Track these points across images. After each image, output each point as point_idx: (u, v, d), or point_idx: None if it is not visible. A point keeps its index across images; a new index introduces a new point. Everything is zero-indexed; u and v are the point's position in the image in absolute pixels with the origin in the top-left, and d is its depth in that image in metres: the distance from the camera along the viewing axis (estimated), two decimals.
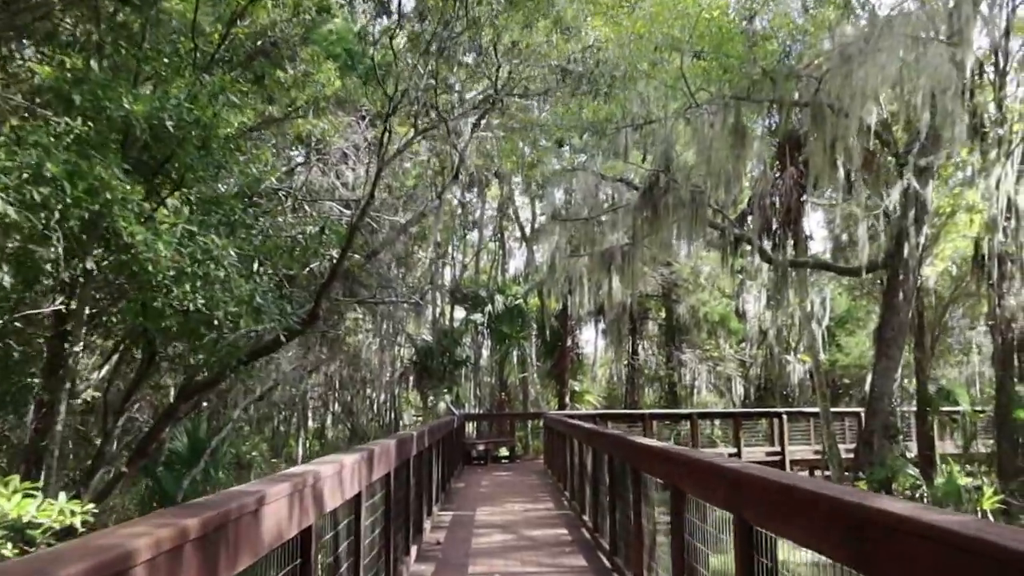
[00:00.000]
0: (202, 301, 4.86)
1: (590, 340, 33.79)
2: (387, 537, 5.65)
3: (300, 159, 10.22)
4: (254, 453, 19.85)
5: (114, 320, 6.47)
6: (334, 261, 8.10)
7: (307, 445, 24.85)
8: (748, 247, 17.54)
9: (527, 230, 28.65)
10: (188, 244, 4.72)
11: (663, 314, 28.74)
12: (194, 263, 4.70)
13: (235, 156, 5.99)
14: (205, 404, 11.51)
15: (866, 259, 13.87)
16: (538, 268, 25.86)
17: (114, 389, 7.96)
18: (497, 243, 28.46)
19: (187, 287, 4.69)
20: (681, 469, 4.41)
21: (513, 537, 8.89)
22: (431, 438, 9.33)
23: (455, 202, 27.19)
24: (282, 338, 6.53)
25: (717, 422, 24.84)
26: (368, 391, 26.89)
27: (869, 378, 17.98)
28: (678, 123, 12.59)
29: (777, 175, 18.76)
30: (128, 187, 4.33)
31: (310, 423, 25.81)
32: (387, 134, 7.10)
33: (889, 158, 15.60)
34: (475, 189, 27.48)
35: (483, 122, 9.53)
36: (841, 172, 12.64)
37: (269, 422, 24.49)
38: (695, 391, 29.54)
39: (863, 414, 21.90)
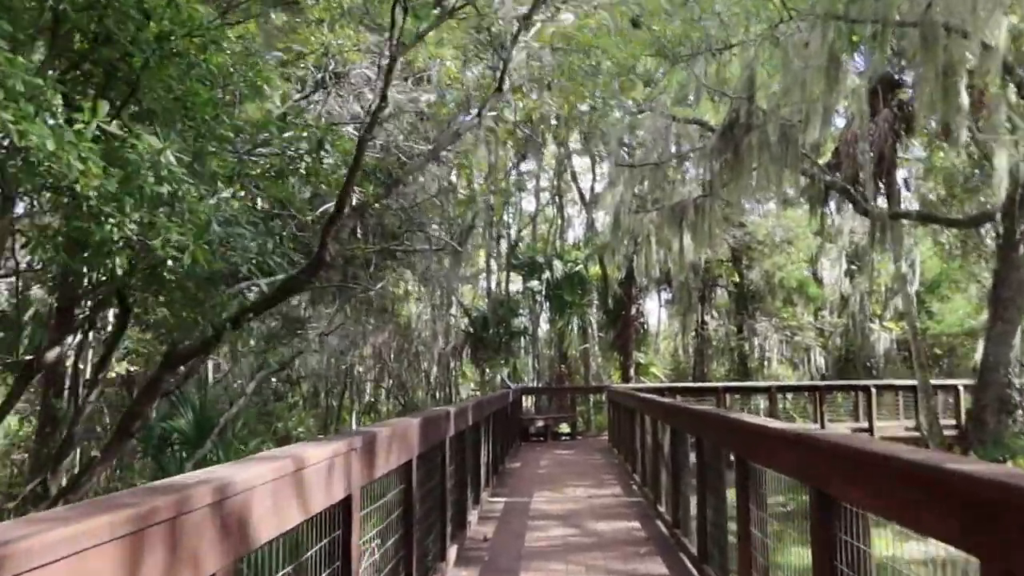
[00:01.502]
0: (134, 226, 3.56)
1: (652, 312, 31.97)
2: (409, 545, 4.30)
3: (317, 92, 8.86)
4: (300, 429, 19.03)
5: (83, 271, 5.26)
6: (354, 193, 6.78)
7: (361, 420, 24.01)
8: (837, 199, 15.58)
9: (587, 194, 26.96)
10: (118, 150, 3.44)
11: (734, 280, 26.69)
12: (125, 176, 3.42)
13: (216, 56, 4.65)
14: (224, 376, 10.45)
15: (1004, 194, 11.75)
16: (599, 233, 24.19)
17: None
18: (554, 206, 26.80)
19: (128, 211, 3.42)
20: (832, 464, 2.88)
21: (575, 531, 7.49)
22: (478, 414, 7.98)
23: (509, 165, 25.67)
24: (263, 286, 5.18)
25: (789, 396, 22.94)
26: (424, 364, 25.85)
27: (981, 345, 15.84)
28: (763, 47, 10.75)
29: (868, 119, 16.68)
30: (11, 58, 3.05)
31: (367, 397, 24.93)
32: (399, 7, 5.58)
33: (1011, 88, 13.33)
34: (528, 154, 25.91)
35: (533, 29, 7.99)
36: (964, 98, 10.58)
37: (316, 397, 23.73)
38: (766, 363, 27.53)
39: (961, 387, 19.82)
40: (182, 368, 7.37)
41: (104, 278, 4.70)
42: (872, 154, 16.34)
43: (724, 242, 21.95)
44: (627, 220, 13.74)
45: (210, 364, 16.58)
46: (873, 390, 19.03)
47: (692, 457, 6.72)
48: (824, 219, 14.67)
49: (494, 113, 9.05)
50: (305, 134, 5.47)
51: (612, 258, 17.08)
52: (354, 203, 6.74)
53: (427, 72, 9.29)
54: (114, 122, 3.51)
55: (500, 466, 11.34)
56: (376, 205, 7.92)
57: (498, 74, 7.20)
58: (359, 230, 9.29)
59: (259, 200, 6.79)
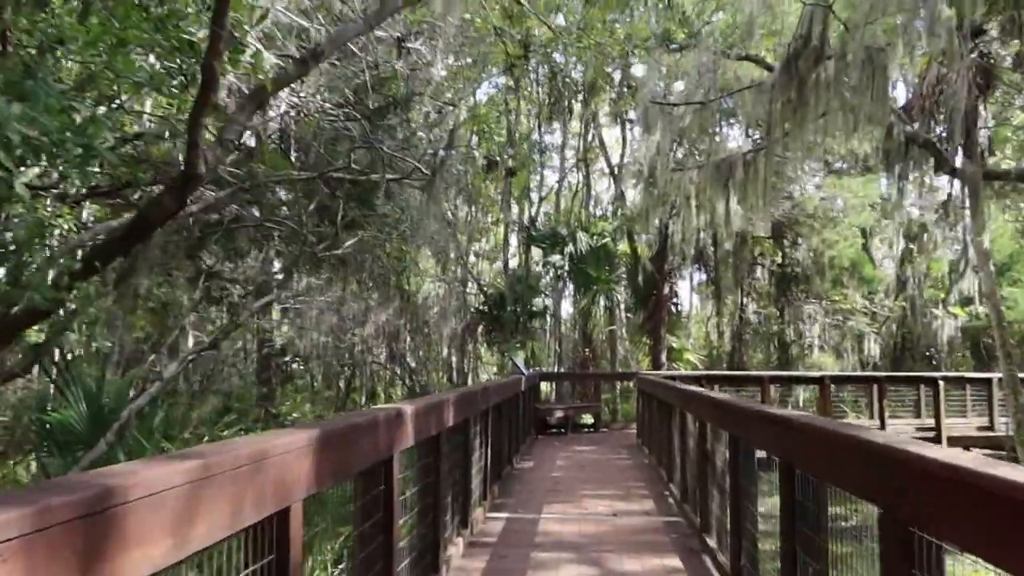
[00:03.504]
0: None
1: (683, 294, 29.70)
2: None
3: None
4: (295, 415, 17.36)
5: None
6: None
7: (370, 405, 22.34)
8: (915, 158, 13.26)
9: (615, 168, 24.73)
10: None
11: (776, 259, 24.30)
12: None
13: None
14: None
15: None
16: (627, 206, 22.04)
17: None
18: (580, 173, 24.53)
19: None
20: None
21: (595, 574, 5.51)
22: (465, 409, 6.02)
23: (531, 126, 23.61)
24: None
25: (831, 387, 20.69)
26: (440, 346, 24.03)
27: None
28: None
29: (944, 71, 14.43)
30: None
31: (371, 381, 23.21)
32: None
33: None
34: (553, 116, 23.79)
35: None
36: None
37: (327, 380, 22.13)
38: (810, 350, 25.21)
39: None
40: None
41: None
42: (947, 107, 14.07)
43: (771, 213, 19.63)
44: (664, 178, 11.62)
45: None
46: (941, 384, 16.79)
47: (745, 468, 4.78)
48: (902, 181, 12.32)
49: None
50: None
51: (646, 222, 14.89)
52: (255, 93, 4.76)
53: None
54: None
55: (506, 468, 9.41)
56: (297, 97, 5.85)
57: None
58: (296, 159, 7.19)
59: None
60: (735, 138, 19.65)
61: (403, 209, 9.68)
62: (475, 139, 21.88)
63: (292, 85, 6.30)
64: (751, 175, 11.33)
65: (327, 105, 7.03)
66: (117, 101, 4.69)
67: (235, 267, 9.45)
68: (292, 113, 6.68)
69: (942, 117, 14.88)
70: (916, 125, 14.42)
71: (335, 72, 6.90)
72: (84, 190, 5.64)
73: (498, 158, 17.43)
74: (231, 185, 6.57)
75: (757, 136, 13.55)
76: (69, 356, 6.83)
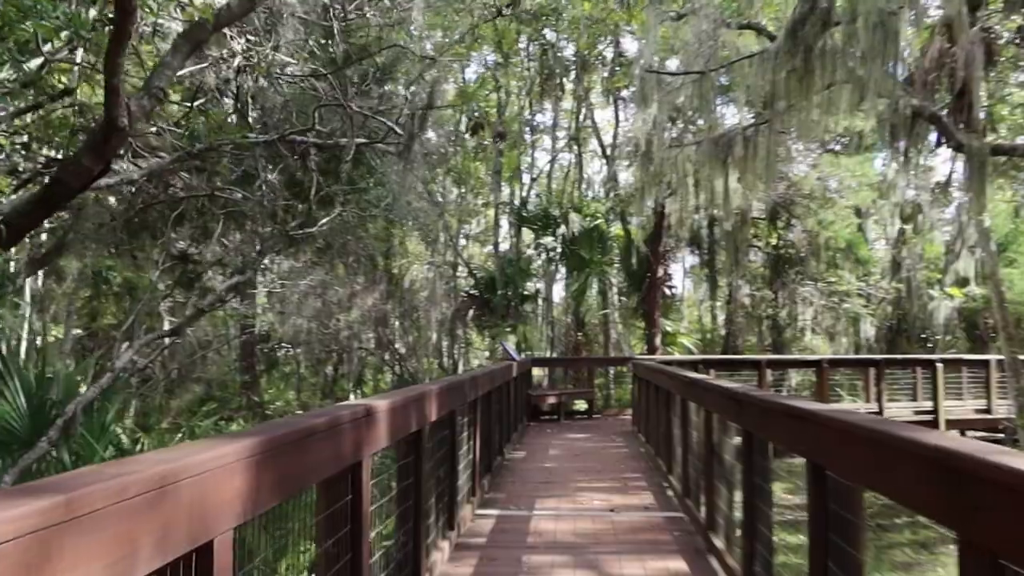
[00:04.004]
0: None
1: (676, 277, 29.19)
2: None
3: None
4: (278, 403, 16.87)
5: None
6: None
7: (358, 392, 21.85)
8: (918, 131, 12.78)
9: (608, 150, 24.13)
10: None
11: (770, 241, 23.85)
12: None
13: None
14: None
15: None
16: (620, 188, 21.52)
17: None
18: (572, 152, 23.93)
19: None
20: None
21: None
22: (454, 401, 5.53)
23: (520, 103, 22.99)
24: None
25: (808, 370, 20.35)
26: (432, 333, 23.50)
27: None
28: None
29: (947, 44, 13.97)
30: None
31: (358, 367, 22.68)
32: None
33: None
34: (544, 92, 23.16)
35: None
36: None
37: (316, 366, 21.63)
38: (803, 333, 24.83)
39: None
40: None
41: None
42: (950, 80, 13.61)
43: (769, 193, 19.12)
44: (660, 154, 11.07)
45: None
46: (940, 366, 16.43)
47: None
48: (908, 155, 11.80)
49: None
50: None
51: (640, 201, 14.36)
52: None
53: None
54: None
55: (497, 459, 8.95)
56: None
57: None
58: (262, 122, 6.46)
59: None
60: (733, 115, 19.15)
61: (383, 184, 9.10)
62: (463, 119, 21.25)
63: (253, 39, 5.73)
64: (751, 152, 10.82)
65: (283, 57, 6.39)
66: (38, 51, 4.11)
67: (206, 247, 8.88)
68: (249, 69, 6.10)
69: (937, 96, 14.42)
70: (921, 97, 13.96)
71: (300, 23, 6.33)
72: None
73: (484, 122, 16.75)
74: (178, 149, 6.00)
75: (751, 115, 13.05)
76: (3, 346, 6.30)
